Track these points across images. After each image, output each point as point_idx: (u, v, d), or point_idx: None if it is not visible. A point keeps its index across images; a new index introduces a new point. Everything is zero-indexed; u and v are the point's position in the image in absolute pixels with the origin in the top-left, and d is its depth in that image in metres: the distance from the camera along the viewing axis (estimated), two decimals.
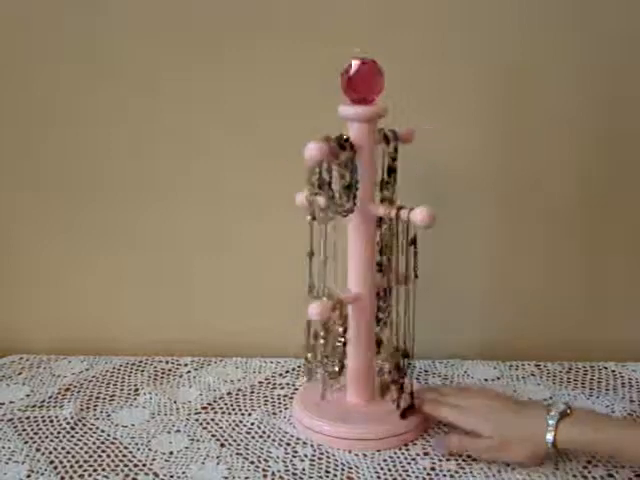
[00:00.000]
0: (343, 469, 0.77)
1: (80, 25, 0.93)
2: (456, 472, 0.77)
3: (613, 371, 0.96)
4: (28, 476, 0.76)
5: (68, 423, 0.85)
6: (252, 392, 0.92)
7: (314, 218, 0.78)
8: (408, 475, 0.76)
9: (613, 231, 0.98)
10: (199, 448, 0.81)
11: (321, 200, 0.77)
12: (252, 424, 0.85)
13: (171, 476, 0.76)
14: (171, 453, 0.80)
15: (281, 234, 0.96)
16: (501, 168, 0.96)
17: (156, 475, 0.76)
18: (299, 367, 0.97)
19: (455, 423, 0.79)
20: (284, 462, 0.78)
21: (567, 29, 0.92)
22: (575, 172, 0.96)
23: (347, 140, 0.76)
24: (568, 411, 0.74)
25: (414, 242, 0.77)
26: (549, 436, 0.73)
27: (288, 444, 0.81)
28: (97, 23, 0.93)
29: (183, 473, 0.76)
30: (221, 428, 0.84)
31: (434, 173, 0.93)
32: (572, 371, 0.96)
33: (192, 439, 0.82)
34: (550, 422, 0.73)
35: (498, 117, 0.94)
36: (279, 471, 0.77)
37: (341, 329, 0.80)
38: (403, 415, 0.81)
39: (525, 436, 0.75)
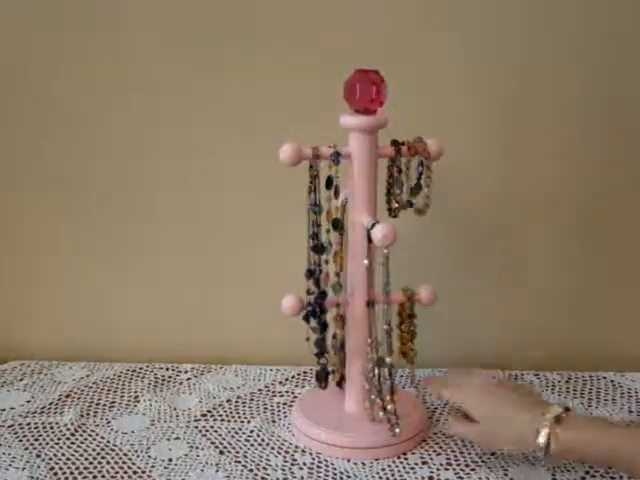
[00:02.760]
0: (342, 477, 0.77)
1: (80, 25, 0.94)
2: None
3: (612, 381, 0.96)
4: None
5: (68, 429, 0.86)
6: (251, 400, 0.92)
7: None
8: None
9: (614, 238, 0.99)
10: (198, 455, 0.81)
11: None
12: (251, 432, 0.85)
13: None
14: (170, 460, 0.80)
15: (283, 240, 0.96)
16: (502, 168, 0.97)
17: None
18: (299, 375, 0.97)
19: (451, 400, 0.79)
20: (283, 470, 0.78)
21: (567, 29, 0.92)
22: (576, 172, 0.96)
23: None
24: (564, 415, 0.72)
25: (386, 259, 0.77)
26: (541, 440, 0.71)
27: (287, 452, 0.82)
28: (97, 22, 0.94)
29: None
30: (220, 435, 0.85)
31: (435, 175, 0.94)
32: (571, 381, 0.97)
33: (191, 446, 0.82)
34: (543, 429, 0.71)
35: (500, 118, 0.95)
36: (278, 479, 0.77)
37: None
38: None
39: (516, 435, 0.73)
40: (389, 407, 0.79)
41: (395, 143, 0.79)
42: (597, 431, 0.71)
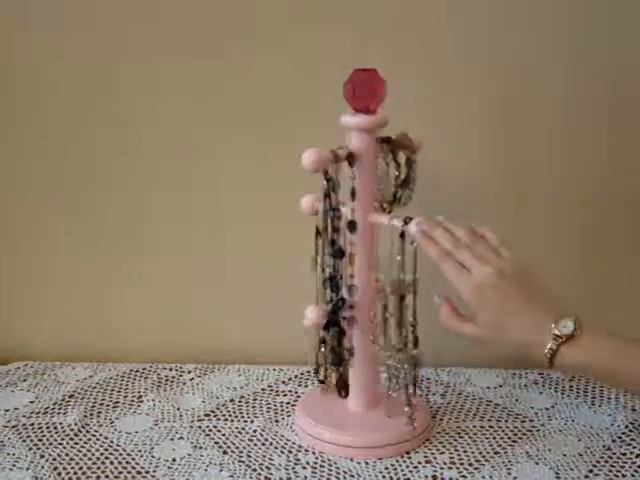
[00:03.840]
0: (345, 477, 0.77)
1: (80, 24, 0.94)
2: None
3: None
4: None
5: (72, 430, 0.86)
6: (255, 399, 0.92)
7: (319, 232, 0.79)
8: None
9: (615, 238, 0.98)
10: (202, 455, 0.81)
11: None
12: (254, 431, 0.85)
13: None
14: (174, 460, 0.80)
15: (285, 240, 0.96)
16: (503, 168, 0.97)
17: None
18: (302, 374, 0.97)
19: (451, 282, 0.72)
20: (286, 470, 0.79)
21: (568, 29, 0.92)
22: (577, 172, 0.96)
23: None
24: (575, 332, 0.67)
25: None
26: (546, 352, 0.67)
27: (290, 452, 0.82)
28: (97, 23, 0.94)
29: None
30: (224, 435, 0.85)
31: (436, 175, 0.94)
32: (574, 379, 0.96)
33: (195, 446, 0.83)
34: (549, 343, 0.67)
35: (500, 118, 0.95)
36: (281, 478, 0.77)
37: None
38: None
39: (520, 343, 0.69)
40: (413, 401, 0.79)
41: (383, 140, 0.79)
42: (607, 353, 0.67)
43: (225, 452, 0.82)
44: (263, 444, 0.83)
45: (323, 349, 0.82)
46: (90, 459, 0.80)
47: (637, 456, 0.80)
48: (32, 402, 0.92)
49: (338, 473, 0.78)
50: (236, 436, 0.85)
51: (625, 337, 0.70)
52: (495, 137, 0.95)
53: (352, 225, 0.78)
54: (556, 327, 0.67)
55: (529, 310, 0.70)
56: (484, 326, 0.71)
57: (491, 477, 0.77)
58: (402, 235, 0.75)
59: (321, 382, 0.85)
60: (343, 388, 0.84)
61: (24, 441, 0.84)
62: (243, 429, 0.86)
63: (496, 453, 0.81)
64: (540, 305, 0.71)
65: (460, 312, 0.74)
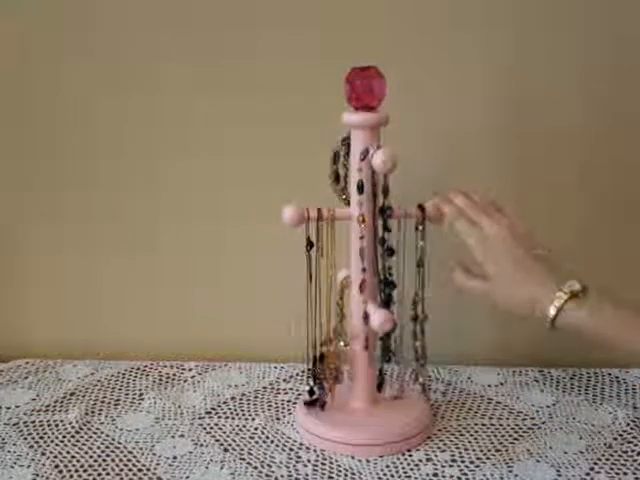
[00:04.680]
0: (346, 474, 0.77)
1: (80, 24, 0.94)
2: (459, 478, 0.76)
3: (617, 377, 0.96)
4: None
5: (73, 427, 0.86)
6: (256, 397, 0.92)
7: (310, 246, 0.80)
8: None
9: (616, 237, 0.98)
10: (203, 453, 0.81)
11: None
12: (255, 429, 0.85)
13: None
14: (175, 458, 0.80)
15: (286, 238, 0.96)
16: (504, 168, 0.96)
17: (160, 479, 0.77)
18: (303, 372, 0.97)
19: (463, 240, 0.75)
20: (287, 467, 0.78)
21: (567, 29, 0.92)
22: (576, 172, 0.96)
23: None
24: (580, 293, 0.69)
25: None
26: (550, 312, 0.68)
27: (291, 449, 0.82)
28: (97, 23, 0.94)
29: (187, 477, 0.77)
30: (225, 433, 0.85)
31: (439, 175, 0.94)
32: (576, 377, 0.96)
33: (196, 444, 0.83)
34: (554, 301, 0.68)
35: (501, 118, 0.94)
36: (282, 476, 0.77)
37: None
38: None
39: (526, 299, 0.70)
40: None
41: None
42: (610, 315, 0.68)
43: (226, 450, 0.82)
44: (264, 442, 0.83)
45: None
46: (91, 457, 0.80)
47: (639, 454, 0.80)
48: (33, 400, 0.92)
49: (339, 471, 0.78)
50: (237, 434, 0.85)
51: (628, 301, 0.71)
52: (495, 137, 0.95)
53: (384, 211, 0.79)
54: (563, 285, 0.69)
55: (537, 267, 0.72)
56: (493, 280, 0.73)
57: (492, 475, 0.77)
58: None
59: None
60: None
61: (25, 439, 0.84)
62: (244, 427, 0.86)
63: (497, 451, 0.81)
64: (548, 265, 0.72)
65: (471, 272, 0.76)
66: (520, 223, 0.77)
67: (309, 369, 0.83)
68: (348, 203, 0.81)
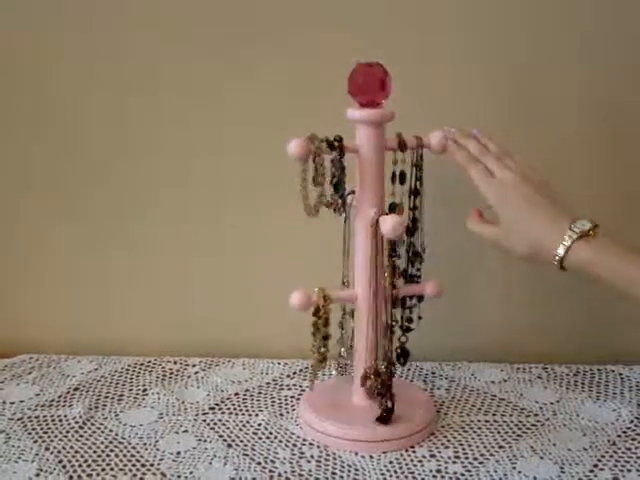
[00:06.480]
0: (349, 471, 0.78)
1: (80, 24, 0.94)
2: (462, 475, 0.76)
3: (620, 374, 0.96)
4: (37, 475, 0.76)
5: (77, 422, 0.86)
6: (259, 393, 0.93)
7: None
8: (414, 477, 0.76)
9: (617, 236, 0.98)
10: (206, 448, 0.81)
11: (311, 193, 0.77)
12: (259, 425, 0.86)
13: (178, 476, 0.76)
14: (178, 453, 0.80)
15: (288, 234, 0.96)
16: None
17: (163, 475, 0.77)
18: (306, 368, 0.97)
19: (476, 185, 0.76)
20: (290, 463, 0.79)
21: (567, 29, 0.92)
22: (576, 172, 0.96)
23: (339, 141, 0.76)
24: (591, 232, 0.69)
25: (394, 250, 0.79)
26: (559, 251, 0.68)
27: (295, 445, 0.82)
28: (97, 23, 0.94)
29: (190, 473, 0.77)
30: (228, 429, 0.85)
31: (442, 175, 0.93)
32: (579, 374, 0.96)
33: (199, 439, 0.83)
34: (564, 241, 0.68)
35: (503, 118, 0.94)
36: (285, 472, 0.77)
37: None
38: (380, 419, 0.80)
39: (535, 239, 0.71)
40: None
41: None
42: (620, 257, 0.68)
43: (230, 445, 0.82)
44: (267, 438, 0.83)
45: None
46: (95, 452, 0.80)
47: None
48: (37, 395, 0.92)
49: (342, 467, 0.78)
50: (240, 429, 0.85)
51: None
52: (495, 137, 0.95)
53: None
54: (573, 225, 0.69)
55: (548, 209, 0.73)
56: (504, 223, 0.74)
57: (496, 471, 0.77)
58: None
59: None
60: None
61: (29, 433, 0.84)
62: (248, 422, 0.86)
63: (500, 447, 0.81)
64: (559, 207, 0.73)
65: (485, 218, 0.77)
66: (534, 171, 0.78)
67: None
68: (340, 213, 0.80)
